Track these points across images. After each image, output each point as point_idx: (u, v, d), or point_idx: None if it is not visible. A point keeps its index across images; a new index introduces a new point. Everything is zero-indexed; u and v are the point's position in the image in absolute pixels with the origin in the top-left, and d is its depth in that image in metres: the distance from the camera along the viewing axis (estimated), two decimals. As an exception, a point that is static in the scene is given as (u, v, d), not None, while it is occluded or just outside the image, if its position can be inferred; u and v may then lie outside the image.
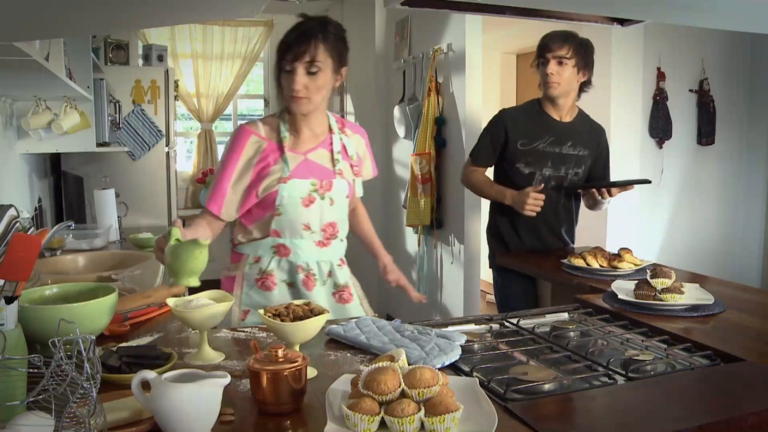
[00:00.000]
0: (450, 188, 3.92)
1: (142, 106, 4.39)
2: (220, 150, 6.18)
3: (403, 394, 1.03)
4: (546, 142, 2.49)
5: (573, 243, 2.69)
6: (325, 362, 1.35)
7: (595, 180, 2.60)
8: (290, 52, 1.72)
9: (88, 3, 1.03)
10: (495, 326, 1.64)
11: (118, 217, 3.44)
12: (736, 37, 4.18)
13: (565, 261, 2.26)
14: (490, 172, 2.66)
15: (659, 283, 1.73)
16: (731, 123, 4.27)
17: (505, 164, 2.54)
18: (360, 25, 5.17)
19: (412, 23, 4.32)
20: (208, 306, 1.33)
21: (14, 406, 0.94)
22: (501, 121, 2.55)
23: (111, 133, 3.78)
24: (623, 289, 1.81)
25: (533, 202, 2.38)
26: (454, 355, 1.33)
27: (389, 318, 1.87)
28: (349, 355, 1.40)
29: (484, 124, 2.66)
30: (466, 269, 3.77)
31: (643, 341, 1.48)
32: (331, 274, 1.86)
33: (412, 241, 4.41)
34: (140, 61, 5.39)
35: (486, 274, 3.32)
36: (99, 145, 3.36)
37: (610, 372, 1.27)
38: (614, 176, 2.78)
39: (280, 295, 1.80)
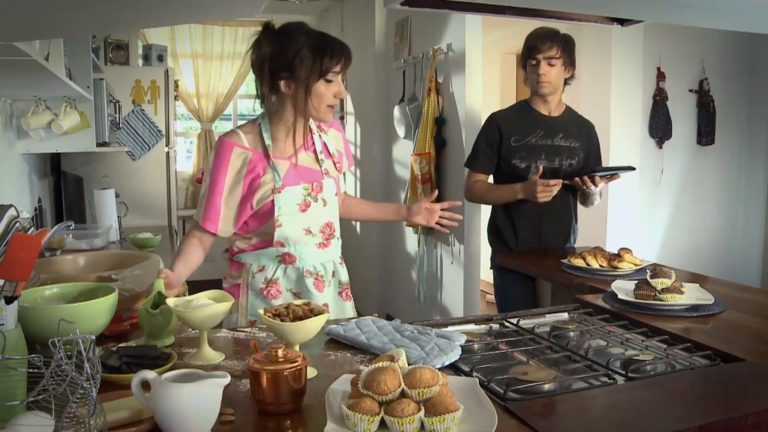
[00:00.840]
0: (450, 188, 3.92)
1: (142, 106, 4.39)
2: (220, 150, 6.17)
3: (403, 394, 1.03)
4: (538, 136, 2.54)
5: (573, 242, 2.69)
6: (325, 362, 1.35)
7: None
8: (341, 62, 1.73)
9: (88, 3, 1.03)
10: (495, 326, 1.64)
11: (118, 217, 3.44)
12: (736, 37, 4.18)
13: (565, 261, 2.26)
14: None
15: (659, 283, 1.73)
16: (731, 123, 4.27)
17: (501, 163, 2.56)
18: (360, 25, 5.17)
19: (412, 23, 4.32)
20: (208, 306, 1.34)
21: (14, 406, 0.94)
22: (493, 121, 2.60)
23: (111, 133, 3.77)
24: (623, 289, 1.81)
25: (542, 188, 2.38)
26: (454, 355, 1.33)
27: (389, 318, 1.87)
28: (349, 355, 1.40)
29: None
30: (466, 269, 3.77)
31: (643, 341, 1.48)
32: (334, 273, 1.88)
33: (412, 241, 4.41)
34: (140, 61, 5.39)
35: (486, 274, 3.32)
36: (99, 145, 3.36)
37: (610, 372, 1.27)
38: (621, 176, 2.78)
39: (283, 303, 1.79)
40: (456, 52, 3.73)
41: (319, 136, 1.87)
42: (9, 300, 1.03)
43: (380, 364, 1.08)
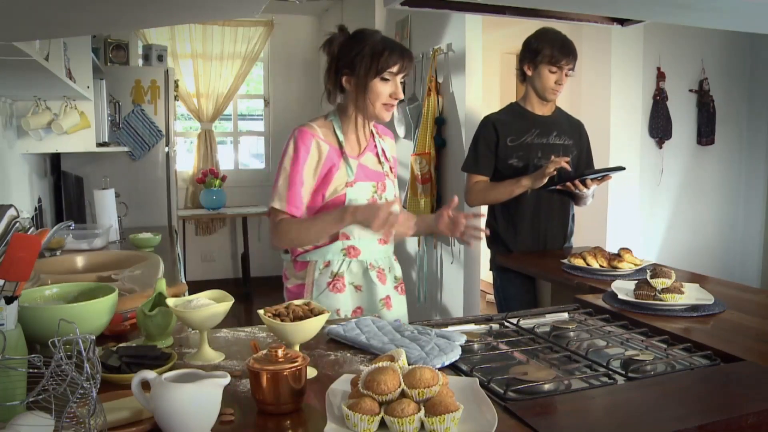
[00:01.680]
0: (450, 188, 3.92)
1: (142, 106, 4.38)
2: (221, 150, 6.18)
3: (403, 394, 1.03)
4: (533, 135, 2.55)
5: (570, 241, 2.70)
6: (325, 362, 1.35)
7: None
8: (399, 63, 1.79)
9: (88, 3, 1.03)
10: (495, 326, 1.64)
11: (118, 217, 3.44)
12: (736, 37, 4.18)
13: (565, 261, 2.26)
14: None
15: (659, 283, 1.73)
16: (731, 123, 4.27)
17: (498, 164, 2.56)
18: (360, 25, 5.15)
19: (412, 23, 4.32)
20: (208, 306, 1.34)
21: (14, 406, 0.94)
22: (488, 122, 2.60)
23: (111, 133, 3.78)
24: (623, 289, 1.81)
25: (549, 169, 2.35)
26: (454, 355, 1.33)
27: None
28: (349, 355, 1.40)
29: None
30: (466, 269, 3.77)
31: (643, 341, 1.48)
32: (390, 269, 1.95)
33: (412, 241, 4.41)
34: (140, 61, 5.38)
35: (486, 274, 3.32)
36: (99, 145, 3.36)
37: (610, 372, 1.27)
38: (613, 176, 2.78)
39: (348, 297, 1.85)
40: (456, 52, 3.73)
41: (379, 141, 1.95)
42: (9, 300, 1.03)
43: (380, 364, 1.08)
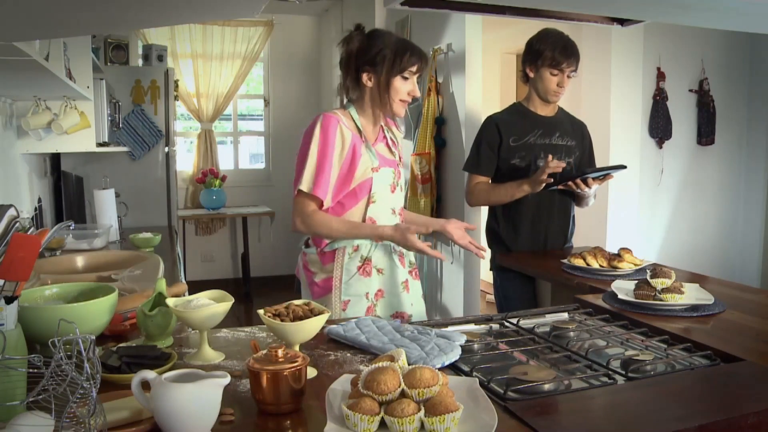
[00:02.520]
0: (450, 188, 3.92)
1: (142, 106, 4.38)
2: (221, 150, 6.18)
3: (403, 394, 1.03)
4: (536, 136, 2.55)
5: (571, 241, 2.70)
6: (325, 362, 1.35)
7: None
8: (419, 63, 1.89)
9: (88, 3, 1.03)
10: (495, 326, 1.64)
11: (118, 217, 3.44)
12: (736, 37, 4.18)
13: (565, 261, 2.26)
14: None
15: (659, 283, 1.73)
16: (731, 123, 4.27)
17: (500, 164, 2.56)
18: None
19: (412, 23, 4.32)
20: (208, 306, 1.34)
21: (14, 406, 0.94)
22: (491, 122, 2.60)
23: (111, 133, 3.77)
24: (623, 289, 1.81)
25: (544, 176, 2.35)
26: (454, 355, 1.33)
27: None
28: (349, 355, 1.40)
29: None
30: (466, 269, 3.77)
31: (643, 341, 1.48)
32: (406, 253, 2.03)
33: (412, 241, 4.41)
34: (140, 61, 5.38)
35: (486, 274, 3.32)
36: (99, 145, 3.35)
37: (610, 372, 1.27)
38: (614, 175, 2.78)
39: (376, 280, 1.93)
40: (456, 52, 3.73)
41: (389, 132, 2.04)
42: (9, 300, 1.03)
43: (380, 364, 1.08)
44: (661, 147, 4.09)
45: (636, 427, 1.05)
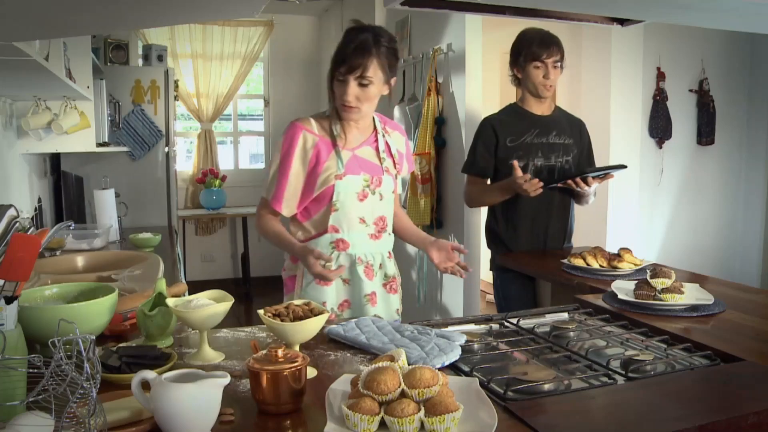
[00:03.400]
0: (450, 188, 3.92)
1: (141, 106, 4.38)
2: (221, 150, 6.18)
3: (403, 394, 1.03)
4: (532, 135, 2.55)
5: (571, 241, 2.70)
6: (325, 362, 1.35)
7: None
8: (344, 64, 1.77)
9: (88, 3, 1.03)
10: (495, 326, 1.64)
11: (118, 217, 3.44)
12: (736, 37, 4.18)
13: (565, 261, 2.26)
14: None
15: (659, 283, 1.73)
16: (731, 123, 4.27)
17: (498, 165, 2.57)
18: (360, 25, 5.16)
19: (412, 23, 4.32)
20: (208, 306, 1.34)
21: (14, 406, 0.94)
22: (487, 123, 2.60)
23: (111, 133, 3.78)
24: (623, 289, 1.81)
25: (527, 185, 2.36)
26: (454, 355, 1.33)
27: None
28: (349, 355, 1.40)
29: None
30: (466, 269, 3.76)
31: (643, 341, 1.48)
32: (381, 265, 1.94)
33: (412, 241, 4.41)
34: (140, 61, 5.38)
35: (486, 274, 3.32)
36: (99, 145, 3.36)
37: (610, 372, 1.27)
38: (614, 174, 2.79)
39: (335, 290, 1.88)
40: (456, 52, 3.73)
41: (383, 135, 1.95)
42: (9, 300, 1.03)
43: (380, 364, 1.08)
44: (661, 147, 4.09)
45: (636, 427, 1.05)
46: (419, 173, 3.85)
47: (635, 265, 2.16)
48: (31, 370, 0.93)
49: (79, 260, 2.48)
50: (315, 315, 1.30)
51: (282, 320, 1.28)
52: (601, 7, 1.76)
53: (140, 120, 4.37)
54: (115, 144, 4.04)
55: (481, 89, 3.72)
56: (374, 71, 1.78)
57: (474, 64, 3.65)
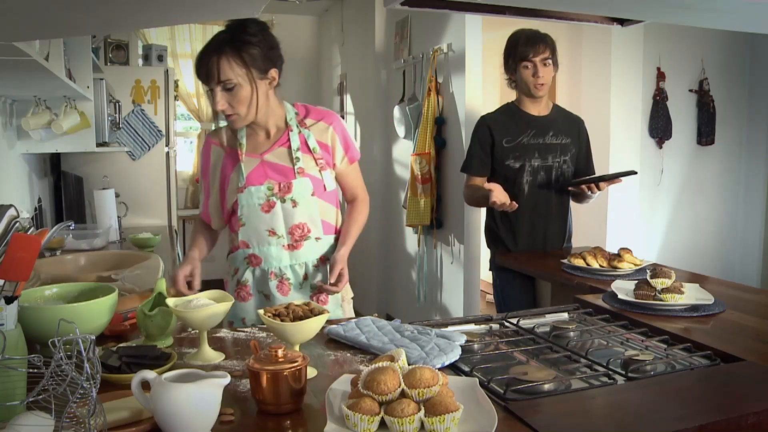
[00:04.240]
0: (450, 188, 3.92)
1: (142, 106, 4.38)
2: (220, 150, 6.17)
3: (403, 394, 1.03)
4: (529, 136, 2.55)
5: (570, 241, 2.70)
6: (325, 362, 1.35)
7: (580, 171, 2.64)
8: (200, 74, 1.66)
9: (89, 3, 1.03)
10: (495, 326, 1.64)
11: (118, 217, 3.44)
12: (736, 37, 4.18)
13: (565, 261, 2.26)
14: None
15: (659, 283, 1.73)
16: (731, 123, 4.27)
17: (495, 164, 2.57)
18: (360, 25, 5.17)
19: (412, 23, 4.32)
20: (208, 306, 1.34)
21: (14, 406, 0.94)
22: (483, 123, 2.60)
23: (111, 133, 3.77)
24: (623, 289, 1.81)
25: (497, 198, 2.34)
26: (454, 355, 1.33)
27: (389, 318, 1.86)
28: (349, 355, 1.40)
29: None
30: (466, 269, 3.77)
31: (643, 341, 1.48)
32: (307, 276, 1.81)
33: (412, 241, 4.41)
34: (140, 61, 5.38)
35: (486, 274, 3.32)
36: (99, 145, 3.36)
37: (610, 372, 1.27)
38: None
39: (254, 305, 1.81)
40: (456, 52, 3.73)
41: (299, 131, 1.78)
42: (9, 300, 1.03)
43: (380, 364, 1.08)
44: (661, 147, 4.09)
45: (636, 427, 1.05)
46: (419, 173, 3.85)
47: (635, 265, 2.15)
48: (31, 370, 0.93)
49: (79, 260, 2.48)
50: (315, 315, 1.30)
51: (282, 320, 1.28)
52: (601, 7, 1.76)
53: (140, 120, 4.37)
54: (115, 144, 4.04)
55: (481, 89, 3.72)
56: (232, 71, 1.62)
57: (474, 64, 3.65)
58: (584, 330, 1.57)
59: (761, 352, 1.39)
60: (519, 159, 2.53)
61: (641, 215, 4.01)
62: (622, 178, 2.52)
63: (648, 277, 1.76)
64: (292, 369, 1.08)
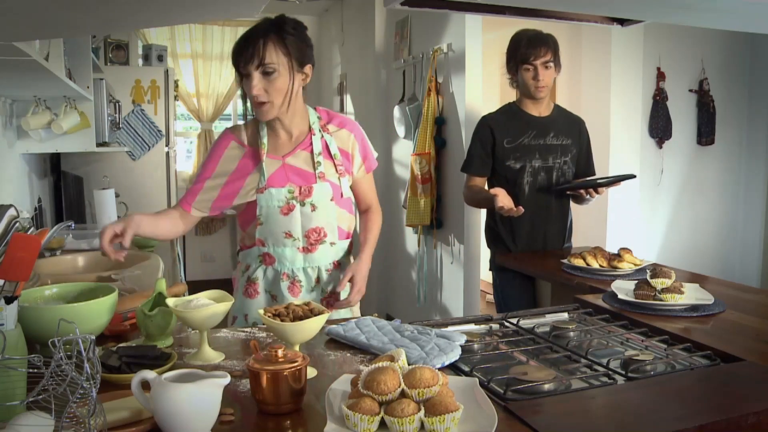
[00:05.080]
0: (450, 188, 3.92)
1: (141, 106, 4.39)
2: (220, 150, 6.17)
3: (403, 394, 1.03)
4: (530, 137, 2.55)
5: (570, 241, 2.70)
6: (325, 362, 1.35)
7: (580, 172, 2.64)
8: (241, 56, 1.64)
9: (89, 3, 1.03)
10: (495, 326, 1.64)
11: (118, 217, 3.44)
12: (736, 37, 4.18)
13: (565, 261, 2.26)
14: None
15: (659, 283, 1.73)
16: (731, 123, 4.27)
17: (496, 165, 2.57)
18: (360, 25, 5.17)
19: (412, 23, 4.32)
20: (208, 306, 1.34)
21: (14, 406, 0.94)
22: (485, 124, 2.60)
23: (111, 133, 3.77)
24: (623, 289, 1.81)
25: (503, 203, 2.33)
26: (454, 355, 1.33)
27: (389, 318, 1.86)
28: (349, 355, 1.40)
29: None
30: (466, 269, 3.77)
31: (643, 341, 1.48)
32: (319, 280, 1.81)
33: (412, 241, 4.41)
34: (140, 61, 5.38)
35: (486, 274, 3.32)
36: (99, 145, 3.36)
37: (610, 372, 1.27)
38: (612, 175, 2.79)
39: (261, 304, 1.81)
40: (456, 52, 3.73)
41: (321, 136, 1.80)
42: (9, 300, 1.03)
43: (380, 364, 1.08)
44: (661, 147, 4.10)
45: (636, 427, 1.05)
46: (419, 173, 3.85)
47: (635, 265, 2.16)
48: (31, 370, 0.93)
49: (79, 260, 2.48)
50: (315, 315, 1.30)
51: (282, 320, 1.28)
52: (601, 7, 1.76)
53: (140, 120, 4.37)
54: (115, 144, 4.04)
55: (481, 89, 3.72)
56: (276, 56, 1.63)
57: (474, 64, 3.65)
58: (584, 330, 1.57)
59: (761, 352, 1.39)
60: (520, 160, 2.53)
61: (641, 215, 4.01)
62: (620, 182, 2.52)
63: (648, 277, 1.76)
64: (292, 369, 1.08)
